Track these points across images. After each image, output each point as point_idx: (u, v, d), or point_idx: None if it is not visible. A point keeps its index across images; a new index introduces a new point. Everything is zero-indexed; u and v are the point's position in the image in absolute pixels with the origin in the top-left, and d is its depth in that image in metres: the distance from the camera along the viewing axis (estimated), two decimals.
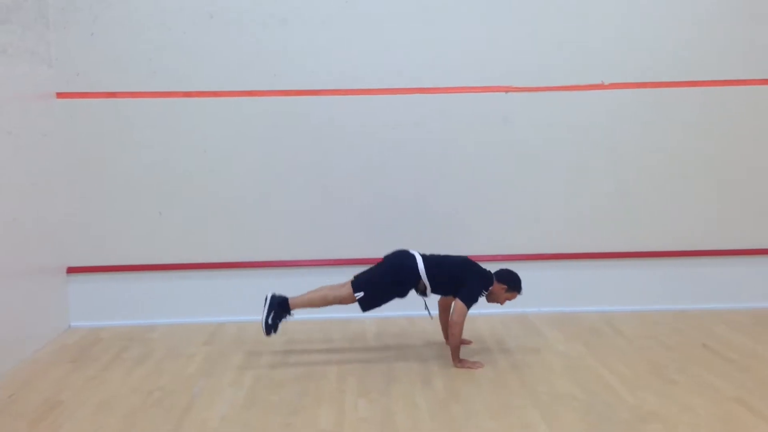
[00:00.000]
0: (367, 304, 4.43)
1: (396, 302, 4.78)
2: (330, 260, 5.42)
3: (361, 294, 4.38)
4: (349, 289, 4.40)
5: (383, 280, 4.44)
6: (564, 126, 5.44)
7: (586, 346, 4.74)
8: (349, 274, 5.17)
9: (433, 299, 4.62)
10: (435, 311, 4.71)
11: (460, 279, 4.43)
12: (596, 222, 5.52)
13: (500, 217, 5.48)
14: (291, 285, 5.35)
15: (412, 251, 4.52)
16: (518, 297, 4.57)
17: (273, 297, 4.39)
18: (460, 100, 5.37)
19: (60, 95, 5.19)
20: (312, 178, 5.38)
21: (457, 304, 4.35)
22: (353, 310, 5.14)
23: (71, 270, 5.32)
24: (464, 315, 4.34)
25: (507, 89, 5.39)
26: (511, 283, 4.51)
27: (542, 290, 5.50)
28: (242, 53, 5.27)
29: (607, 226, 5.52)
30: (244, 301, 5.38)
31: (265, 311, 4.35)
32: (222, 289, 5.42)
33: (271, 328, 4.35)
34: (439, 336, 4.94)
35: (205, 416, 3.73)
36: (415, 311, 5.39)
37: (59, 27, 5.15)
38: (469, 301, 4.35)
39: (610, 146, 5.47)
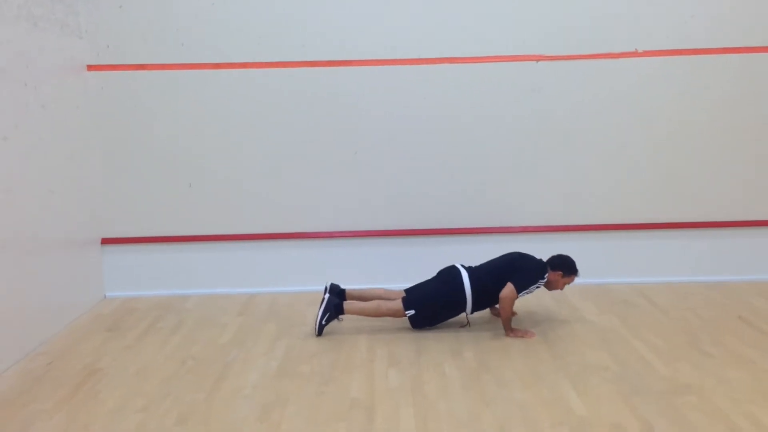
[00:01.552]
0: (418, 323, 4.51)
1: (423, 274, 4.78)
2: (359, 231, 5.42)
3: (412, 312, 4.45)
4: (399, 305, 4.46)
5: (434, 303, 4.49)
6: (596, 95, 5.33)
7: (619, 318, 4.70)
8: (379, 246, 5.20)
9: None
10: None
11: (511, 273, 4.42)
12: (629, 193, 5.43)
13: (531, 189, 5.42)
14: (321, 256, 5.43)
15: (458, 267, 4.54)
16: (576, 279, 4.58)
17: (330, 299, 4.47)
18: (490, 69, 5.28)
19: (90, 68, 5.22)
20: (341, 149, 5.36)
21: (507, 286, 4.34)
22: (382, 281, 5.19)
23: (105, 241, 5.40)
24: (513, 296, 4.35)
25: (538, 58, 5.29)
26: (566, 269, 4.53)
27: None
28: (270, 24, 5.24)
29: (640, 196, 5.43)
30: (276, 272, 5.46)
31: (321, 311, 4.45)
32: (254, 261, 5.46)
33: (323, 328, 4.47)
34: None
35: (238, 384, 3.79)
36: None
37: None
38: (520, 287, 4.36)
39: (643, 116, 5.35)
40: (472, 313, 4.54)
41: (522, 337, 4.37)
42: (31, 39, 4.44)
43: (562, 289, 4.63)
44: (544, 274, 4.49)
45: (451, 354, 4.15)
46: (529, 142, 5.38)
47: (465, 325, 4.60)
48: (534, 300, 5.11)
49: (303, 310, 5.03)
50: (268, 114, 5.33)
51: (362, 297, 4.66)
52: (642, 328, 4.49)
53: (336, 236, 5.44)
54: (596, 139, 5.38)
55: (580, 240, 5.44)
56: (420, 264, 5.08)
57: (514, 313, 4.73)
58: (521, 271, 4.46)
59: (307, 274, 5.45)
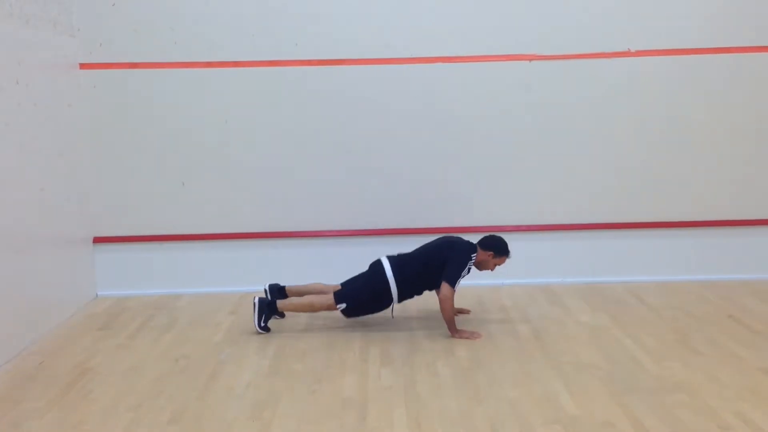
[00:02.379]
0: (350, 315, 4.56)
1: None
2: (352, 230, 5.42)
3: (343, 306, 4.48)
4: (331, 299, 4.48)
5: (363, 296, 4.51)
6: (589, 95, 5.35)
7: (611, 317, 4.72)
8: (372, 244, 5.20)
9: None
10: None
11: (440, 266, 4.39)
12: (621, 192, 5.45)
13: (524, 188, 5.44)
14: (314, 255, 5.44)
15: (382, 259, 4.54)
16: (507, 261, 4.54)
17: (261, 300, 4.50)
18: (483, 69, 5.29)
19: (83, 66, 5.20)
20: (334, 148, 5.36)
21: (443, 286, 4.35)
22: None
23: (97, 240, 5.38)
24: (451, 294, 4.34)
25: (531, 58, 5.31)
26: (497, 249, 4.48)
27: (566, 261, 5.48)
28: (264, 22, 5.24)
29: (632, 196, 5.45)
30: (269, 271, 5.42)
31: (255, 315, 4.47)
32: (247, 259, 5.46)
33: (265, 329, 4.49)
34: (461, 305, 4.96)
35: (231, 383, 3.79)
36: None
37: None
38: (453, 280, 4.34)
39: (636, 115, 5.37)
40: (399, 302, 4.54)
41: (468, 338, 4.35)
42: (23, 37, 4.43)
43: (492, 269, 4.56)
44: (473, 254, 4.42)
45: (443, 353, 4.16)
46: (522, 142, 5.39)
47: (391, 317, 4.64)
48: (526, 299, 5.13)
49: None
50: (261, 113, 5.33)
51: (300, 293, 4.69)
52: (633, 326, 4.51)
53: (328, 235, 5.45)
54: (588, 139, 5.40)
55: (572, 239, 5.47)
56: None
57: (465, 311, 4.75)
58: (450, 261, 4.38)
59: (299, 273, 5.42)
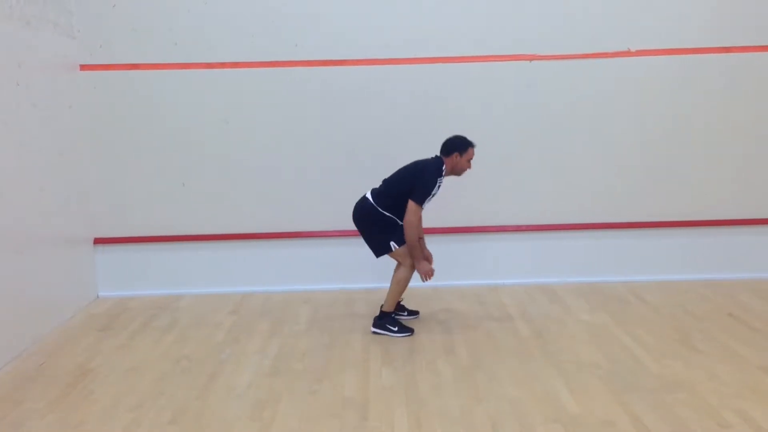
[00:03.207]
0: (400, 238, 4.42)
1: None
2: (353, 230, 5.41)
3: (383, 255, 4.45)
4: (395, 264, 4.46)
5: (380, 236, 4.45)
6: (589, 95, 5.35)
7: (611, 316, 4.72)
8: None
9: None
10: None
11: (409, 190, 4.35)
12: (621, 191, 5.45)
13: (524, 187, 5.44)
14: (314, 256, 5.43)
15: (365, 195, 4.52)
16: (473, 153, 4.46)
17: (374, 328, 4.49)
18: (484, 69, 5.30)
19: (83, 67, 5.21)
20: (335, 148, 5.36)
21: (409, 204, 4.30)
22: (377, 280, 5.21)
23: (98, 241, 5.39)
24: (416, 213, 4.29)
25: (532, 57, 5.31)
26: (459, 147, 4.43)
27: (567, 260, 5.49)
28: (263, 24, 5.24)
29: (632, 195, 5.45)
30: (269, 272, 5.46)
31: (390, 333, 4.45)
32: (247, 260, 5.46)
33: (406, 330, 4.46)
34: (462, 305, 4.97)
35: (232, 382, 3.79)
36: (439, 282, 5.41)
37: None
38: (421, 198, 4.30)
39: (637, 115, 5.38)
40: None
41: (425, 273, 4.34)
42: (23, 38, 4.44)
43: (470, 167, 4.49)
44: (440, 167, 4.39)
45: (444, 352, 4.16)
46: (522, 142, 5.40)
47: None
48: (527, 298, 5.13)
49: (296, 308, 5.04)
50: (261, 113, 5.33)
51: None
52: (633, 325, 4.52)
53: (329, 235, 5.45)
54: (589, 138, 5.40)
55: (573, 238, 5.47)
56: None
57: (428, 257, 4.65)
58: (418, 181, 4.34)
59: (300, 274, 5.46)
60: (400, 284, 4.49)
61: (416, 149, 5.31)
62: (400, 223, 4.39)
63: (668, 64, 5.31)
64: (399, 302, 4.60)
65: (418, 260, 4.39)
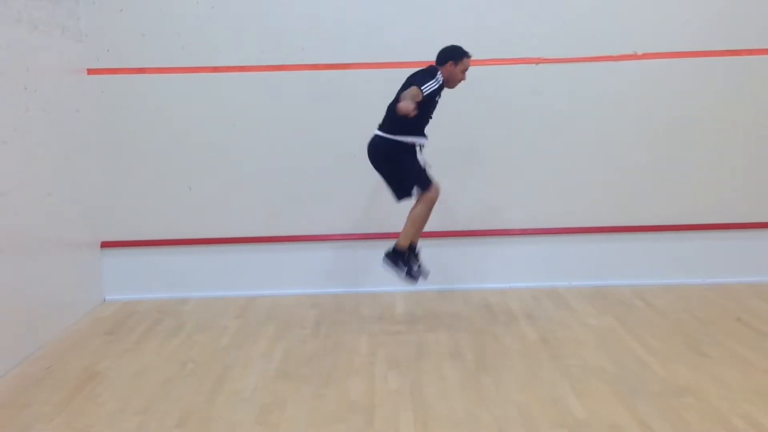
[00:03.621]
0: (425, 188, 4.37)
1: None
2: (359, 234, 5.42)
3: (409, 197, 4.38)
4: (416, 197, 4.37)
5: (401, 173, 4.40)
6: (595, 98, 5.35)
7: (617, 319, 4.70)
8: (379, 247, 5.18)
9: None
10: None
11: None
12: (628, 195, 5.44)
13: (530, 190, 5.44)
14: (320, 259, 5.44)
15: (374, 133, 4.46)
16: (469, 63, 4.42)
17: (385, 258, 4.38)
18: (488, 72, 5.29)
19: (91, 71, 5.23)
20: (341, 152, 5.37)
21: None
22: (383, 284, 5.21)
23: (105, 244, 5.40)
24: (416, 93, 4.11)
25: (537, 61, 5.31)
26: (454, 55, 4.38)
27: (573, 264, 5.48)
28: (270, 27, 5.26)
29: (638, 198, 5.44)
30: (275, 275, 5.46)
31: (396, 270, 4.38)
32: (253, 263, 5.47)
33: (412, 278, 4.41)
34: (469, 308, 4.96)
35: (238, 386, 3.79)
36: (445, 285, 5.42)
37: (88, 2, 5.18)
38: (421, 83, 4.16)
39: (642, 118, 5.37)
40: (419, 145, 4.45)
41: (405, 107, 4.07)
42: (31, 42, 4.46)
43: (464, 79, 4.44)
44: (436, 73, 4.32)
45: (450, 356, 4.15)
46: (528, 145, 5.40)
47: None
48: (532, 302, 5.12)
49: (302, 312, 5.04)
50: (268, 117, 5.34)
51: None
52: (640, 329, 4.50)
53: (335, 238, 5.45)
54: (594, 142, 5.40)
55: (578, 242, 5.46)
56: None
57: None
58: (416, 79, 4.28)
59: (305, 277, 5.46)
60: (416, 223, 4.38)
61: (423, 152, 5.34)
62: (411, 141, 4.31)
63: (675, 67, 5.30)
64: (414, 247, 4.41)
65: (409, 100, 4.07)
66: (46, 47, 4.67)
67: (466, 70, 4.44)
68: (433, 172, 5.35)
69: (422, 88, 4.18)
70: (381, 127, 4.45)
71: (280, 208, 5.43)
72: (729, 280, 5.43)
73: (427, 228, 5.31)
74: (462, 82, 4.48)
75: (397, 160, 4.41)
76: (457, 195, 5.39)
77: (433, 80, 4.27)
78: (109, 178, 5.35)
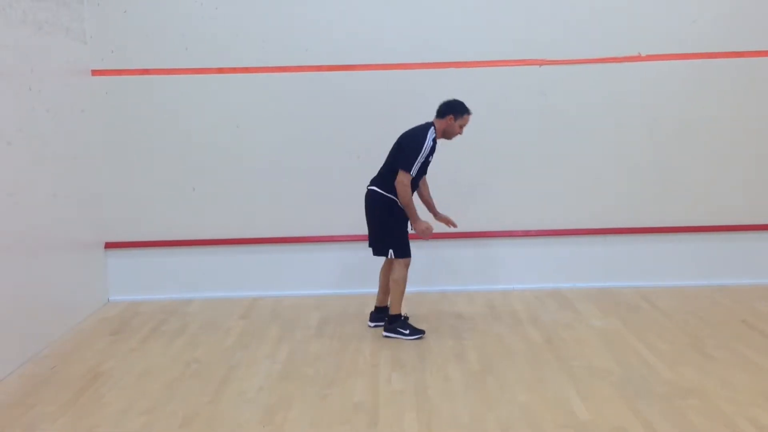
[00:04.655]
0: (402, 254, 4.43)
1: (428, 277, 4.79)
2: (364, 235, 5.40)
3: (391, 252, 4.43)
4: (389, 262, 4.46)
5: (385, 230, 4.45)
6: (600, 99, 5.34)
7: (623, 321, 4.69)
8: None
9: None
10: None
11: (395, 161, 4.36)
12: (632, 197, 5.43)
13: (534, 192, 5.43)
14: (325, 260, 5.44)
15: (368, 188, 4.50)
16: (468, 120, 4.45)
17: (388, 329, 4.50)
18: (494, 73, 5.30)
19: (95, 72, 5.24)
20: (345, 152, 5.37)
21: (398, 174, 4.28)
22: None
23: (109, 245, 5.41)
24: (406, 177, 4.25)
25: (541, 62, 5.31)
26: (455, 110, 4.41)
27: (577, 265, 5.47)
28: (274, 28, 5.26)
29: (643, 200, 5.43)
30: (280, 276, 5.46)
31: (403, 335, 4.45)
32: (258, 264, 5.47)
33: (417, 332, 4.47)
34: (472, 310, 4.95)
35: (242, 387, 3.79)
36: (447, 286, 5.42)
37: (93, 4, 5.19)
38: (408, 165, 4.27)
39: (647, 119, 5.36)
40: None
41: (423, 231, 4.31)
42: (36, 43, 4.47)
43: (460, 133, 4.48)
44: (427, 129, 4.36)
45: (454, 357, 4.15)
46: (533, 146, 5.39)
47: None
48: (537, 303, 5.11)
49: (306, 313, 5.04)
50: (272, 118, 5.35)
51: (385, 293, 4.67)
52: (645, 331, 4.49)
53: (340, 239, 5.45)
54: (599, 143, 5.39)
55: (584, 244, 5.45)
56: (423, 268, 5.10)
57: (449, 221, 4.66)
58: (404, 149, 4.33)
59: (310, 278, 5.46)
60: (399, 284, 4.47)
61: None
62: (394, 206, 4.38)
63: (679, 68, 5.29)
64: (395, 315, 4.52)
65: (414, 219, 4.35)
66: (51, 48, 4.68)
67: (464, 125, 4.48)
68: (438, 176, 5.38)
69: (412, 170, 4.29)
70: (375, 182, 4.47)
71: (285, 209, 5.43)
72: (734, 282, 5.42)
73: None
74: (458, 135, 4.52)
75: (384, 219, 4.45)
76: (461, 196, 5.39)
77: (424, 150, 4.31)
78: (113, 179, 5.36)
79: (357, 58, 5.28)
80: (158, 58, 5.27)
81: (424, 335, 4.45)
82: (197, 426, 3.38)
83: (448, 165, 5.37)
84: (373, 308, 4.73)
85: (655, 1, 5.26)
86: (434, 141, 4.37)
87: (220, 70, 5.29)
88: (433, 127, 4.40)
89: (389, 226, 4.45)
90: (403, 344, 4.38)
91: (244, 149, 5.37)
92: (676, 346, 4.23)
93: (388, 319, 4.53)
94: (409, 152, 4.32)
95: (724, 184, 5.41)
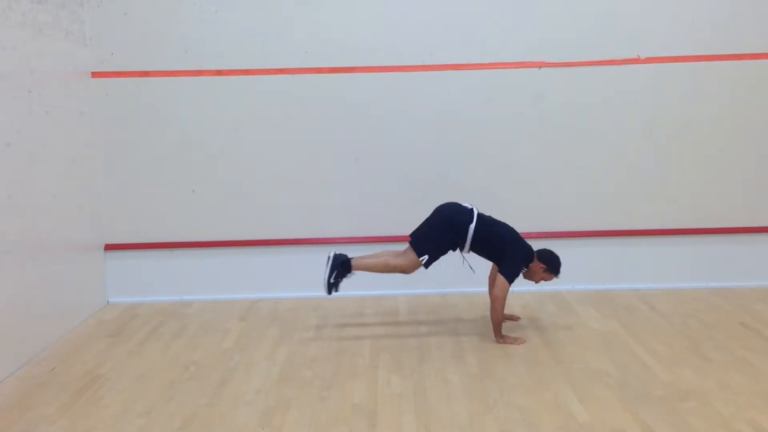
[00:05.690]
0: (429, 264, 4.43)
1: (428, 279, 4.80)
2: (363, 237, 5.42)
3: (425, 257, 4.39)
4: (411, 256, 4.40)
5: (441, 238, 4.43)
6: (599, 102, 5.34)
7: (621, 324, 4.70)
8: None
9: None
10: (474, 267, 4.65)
11: (503, 246, 4.40)
12: (631, 198, 5.43)
13: (534, 194, 5.43)
14: (323, 262, 5.42)
15: (468, 206, 4.51)
16: (554, 280, 4.56)
17: (335, 256, 4.42)
18: (493, 76, 5.30)
19: (95, 74, 5.25)
20: (344, 155, 5.38)
21: (498, 279, 4.35)
22: (385, 287, 5.23)
23: (108, 247, 5.41)
24: (506, 290, 4.34)
25: (540, 65, 5.31)
26: (551, 265, 4.50)
27: (576, 268, 5.43)
28: (273, 31, 5.27)
29: (642, 202, 5.43)
30: (278, 278, 5.46)
31: (327, 270, 4.39)
32: (257, 266, 5.47)
33: (332, 286, 4.42)
34: (472, 312, 4.95)
35: (241, 389, 3.79)
36: (447, 288, 5.42)
37: (93, 6, 5.19)
38: (511, 277, 4.35)
39: (646, 122, 5.36)
40: (465, 252, 4.49)
41: (512, 343, 4.36)
42: (35, 45, 4.47)
43: (537, 282, 4.57)
44: (529, 262, 4.45)
45: (453, 360, 4.15)
46: (533, 149, 5.39)
47: (471, 270, 4.60)
48: (536, 305, 5.12)
49: (305, 315, 5.04)
50: (271, 121, 5.35)
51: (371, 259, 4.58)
52: (644, 333, 4.49)
53: (338, 242, 5.45)
54: (598, 146, 5.39)
55: (582, 246, 5.45)
56: (423, 269, 5.09)
57: (516, 318, 4.75)
58: (514, 247, 4.39)
59: (309, 280, 5.43)
60: (386, 267, 4.43)
61: (426, 156, 5.36)
62: (464, 233, 4.40)
63: (678, 71, 5.29)
64: (351, 269, 4.42)
65: (499, 335, 4.40)
66: (51, 50, 4.69)
67: (547, 280, 4.56)
68: (438, 179, 5.38)
69: (510, 280, 4.36)
70: (479, 218, 4.44)
71: (284, 211, 5.43)
72: (733, 284, 5.42)
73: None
74: (534, 283, 4.61)
75: (444, 238, 4.44)
76: (460, 198, 5.38)
77: (521, 271, 4.44)
78: (112, 181, 5.36)
79: (355, 60, 5.28)
80: (158, 60, 5.27)
81: (329, 294, 4.41)
82: (195, 428, 3.38)
83: (447, 167, 5.39)
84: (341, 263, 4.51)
85: (654, 3, 5.26)
86: (524, 269, 4.46)
87: (220, 73, 5.29)
88: (532, 262, 4.46)
89: (436, 235, 4.44)
90: (403, 347, 4.38)
91: (243, 151, 5.37)
92: (674, 349, 4.23)
93: (344, 262, 4.40)
94: (514, 265, 4.37)
95: (722, 186, 5.41)
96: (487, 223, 4.47)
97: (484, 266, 4.69)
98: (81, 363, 4.22)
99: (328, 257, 4.43)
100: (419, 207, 5.39)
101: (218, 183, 5.40)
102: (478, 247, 4.48)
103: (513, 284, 4.81)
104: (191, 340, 4.58)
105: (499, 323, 4.40)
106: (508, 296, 5.22)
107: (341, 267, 4.41)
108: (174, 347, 4.46)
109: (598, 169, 5.42)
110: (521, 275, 4.51)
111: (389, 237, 5.35)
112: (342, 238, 5.44)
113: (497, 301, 4.34)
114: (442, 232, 4.45)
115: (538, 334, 4.53)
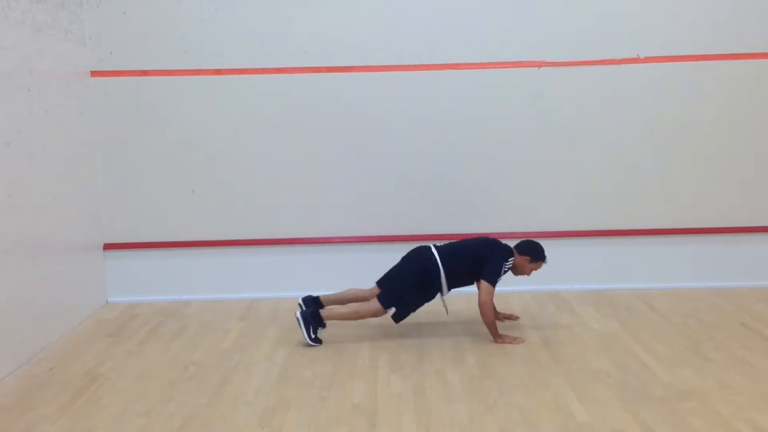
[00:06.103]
0: (400, 318, 4.48)
1: None
2: (363, 237, 5.42)
3: (393, 310, 4.43)
4: (377, 304, 4.43)
5: (410, 291, 4.46)
6: (598, 101, 5.34)
7: (621, 323, 4.70)
8: (383, 251, 5.19)
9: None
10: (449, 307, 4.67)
11: (480, 262, 4.40)
12: (631, 198, 5.43)
13: (533, 194, 5.43)
14: (323, 262, 5.44)
15: (427, 246, 4.53)
16: (544, 266, 4.54)
17: (303, 312, 4.44)
18: (493, 76, 5.30)
19: (94, 74, 5.24)
20: (343, 154, 5.37)
21: (482, 284, 4.35)
22: None
23: (108, 246, 5.41)
24: (491, 294, 4.35)
25: (539, 64, 5.31)
26: (533, 254, 4.49)
27: (576, 268, 5.47)
28: (273, 30, 5.26)
29: (642, 202, 5.43)
30: (278, 278, 5.46)
31: (303, 330, 4.39)
32: (256, 266, 5.47)
33: (316, 341, 4.42)
34: (471, 312, 4.95)
35: (241, 389, 3.79)
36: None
37: (92, 5, 5.19)
38: (492, 279, 4.35)
39: (646, 122, 5.36)
40: (449, 291, 4.50)
41: (510, 343, 4.36)
42: (35, 45, 4.47)
43: (528, 274, 4.56)
44: (509, 258, 4.43)
45: (453, 360, 4.15)
46: (532, 149, 5.39)
47: (446, 314, 4.62)
48: (536, 306, 5.12)
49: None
50: (271, 120, 5.35)
51: (338, 301, 4.63)
52: (644, 333, 4.49)
53: (338, 241, 5.45)
54: (598, 145, 5.39)
55: (583, 245, 5.45)
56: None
57: (514, 317, 4.74)
58: (489, 260, 4.38)
59: (308, 280, 5.45)
60: (356, 315, 4.46)
61: (426, 155, 5.35)
62: (437, 281, 4.41)
63: (678, 70, 5.29)
64: (323, 320, 4.46)
65: (496, 336, 4.40)
66: (50, 50, 4.68)
67: (536, 270, 4.55)
68: (438, 178, 5.38)
69: (493, 283, 4.36)
70: (443, 257, 4.44)
71: (283, 211, 5.43)
72: (733, 284, 5.42)
73: (429, 231, 5.33)
74: (524, 275, 4.59)
75: (419, 284, 4.45)
76: (459, 198, 5.39)
77: (503, 271, 4.39)
78: (112, 181, 5.35)
79: (355, 59, 5.28)
80: (157, 59, 5.26)
81: (316, 346, 4.40)
82: (195, 428, 3.38)
83: (447, 167, 5.39)
84: (316, 295, 4.64)
85: (654, 3, 5.26)
86: (507, 267, 4.43)
87: (219, 72, 5.29)
88: (512, 257, 4.44)
89: (416, 290, 4.46)
90: (403, 347, 4.38)
91: (242, 150, 5.37)
92: (674, 349, 4.23)
93: (314, 314, 4.41)
94: (494, 267, 4.35)
95: (722, 186, 5.41)
96: (451, 253, 4.47)
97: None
98: (81, 363, 4.21)
99: (297, 318, 4.41)
100: (418, 207, 5.41)
101: (218, 183, 5.39)
102: (456, 281, 4.47)
103: (512, 284, 4.85)
104: (191, 340, 4.58)
105: (493, 324, 4.39)
106: (508, 296, 5.24)
107: (313, 320, 4.41)
108: (174, 347, 4.46)
109: (598, 168, 5.41)
110: (510, 273, 4.50)
111: (389, 237, 5.36)
112: (342, 238, 5.44)
113: (484, 305, 4.34)
114: (413, 288, 4.46)
115: (538, 334, 4.53)
